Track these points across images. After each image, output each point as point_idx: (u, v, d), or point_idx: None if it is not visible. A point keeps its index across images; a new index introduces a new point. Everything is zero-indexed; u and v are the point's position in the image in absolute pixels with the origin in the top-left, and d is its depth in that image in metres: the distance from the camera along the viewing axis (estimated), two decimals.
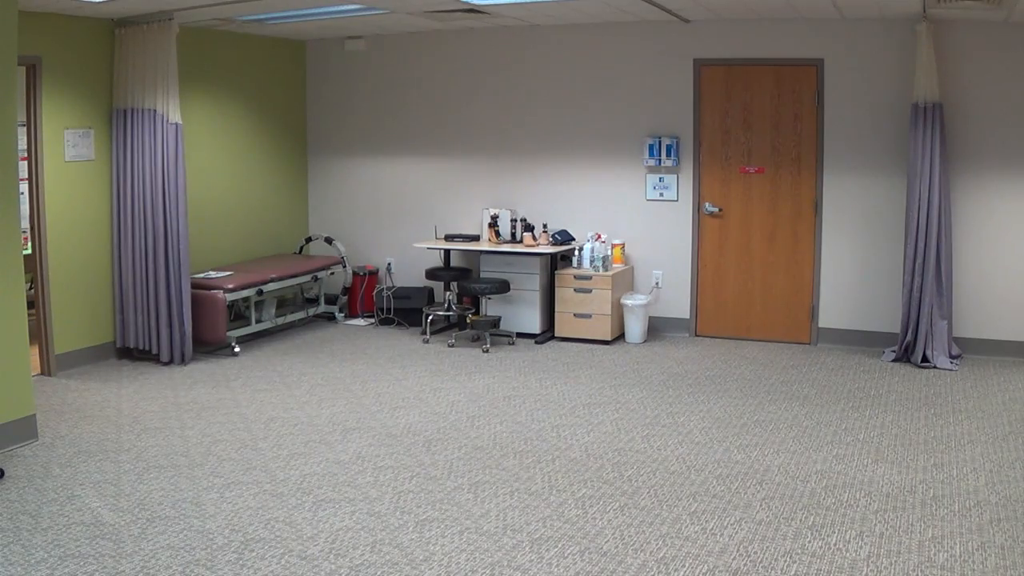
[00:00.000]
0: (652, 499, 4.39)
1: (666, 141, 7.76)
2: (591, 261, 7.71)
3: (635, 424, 5.56)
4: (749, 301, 7.78)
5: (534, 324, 7.86)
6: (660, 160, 7.80)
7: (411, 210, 8.77)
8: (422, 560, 3.75)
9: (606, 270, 7.67)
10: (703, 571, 3.65)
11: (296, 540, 3.94)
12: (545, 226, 8.00)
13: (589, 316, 7.68)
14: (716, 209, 7.76)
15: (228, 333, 7.31)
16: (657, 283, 8.01)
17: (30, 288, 6.65)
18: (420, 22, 7.74)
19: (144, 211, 6.93)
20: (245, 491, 4.50)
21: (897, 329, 7.15)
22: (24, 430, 5.16)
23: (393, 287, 8.62)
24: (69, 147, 6.71)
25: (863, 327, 7.46)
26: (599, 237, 7.79)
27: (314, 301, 8.70)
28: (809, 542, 3.89)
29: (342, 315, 8.72)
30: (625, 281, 7.94)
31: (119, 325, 7.10)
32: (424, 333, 7.96)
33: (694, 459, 4.94)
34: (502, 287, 7.67)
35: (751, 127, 7.59)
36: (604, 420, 5.64)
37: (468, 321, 7.81)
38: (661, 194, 7.90)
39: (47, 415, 5.70)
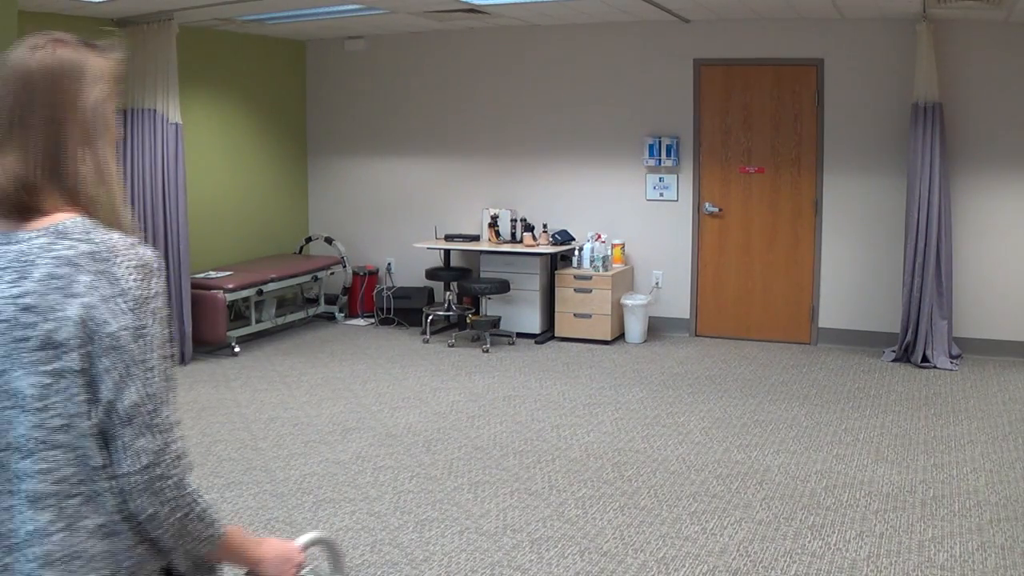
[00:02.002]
0: (652, 499, 4.39)
1: (666, 141, 7.76)
2: (591, 261, 7.71)
3: (635, 424, 5.56)
4: (749, 301, 7.78)
5: (534, 324, 7.87)
6: (660, 160, 7.80)
7: (411, 210, 8.77)
8: (422, 560, 3.75)
9: (606, 270, 7.67)
10: (703, 571, 3.65)
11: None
12: (545, 226, 8.01)
13: (589, 316, 7.68)
14: (716, 209, 7.76)
15: (228, 333, 7.31)
16: (657, 283, 8.01)
17: None
18: (420, 22, 7.74)
19: (144, 211, 6.93)
20: (245, 491, 4.50)
21: (897, 329, 7.15)
22: None
23: (393, 287, 8.62)
24: None
25: (863, 327, 7.46)
26: (599, 237, 7.79)
27: (314, 301, 8.70)
28: (809, 542, 3.89)
29: (342, 315, 8.72)
30: (625, 281, 7.94)
31: None
32: (424, 333, 7.96)
33: (694, 459, 4.94)
34: (502, 287, 7.67)
35: (751, 127, 7.59)
36: (604, 420, 5.64)
37: (468, 321, 7.81)
38: (661, 194, 7.90)
39: None
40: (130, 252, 1.39)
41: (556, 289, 7.80)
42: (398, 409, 5.90)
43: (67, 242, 1.37)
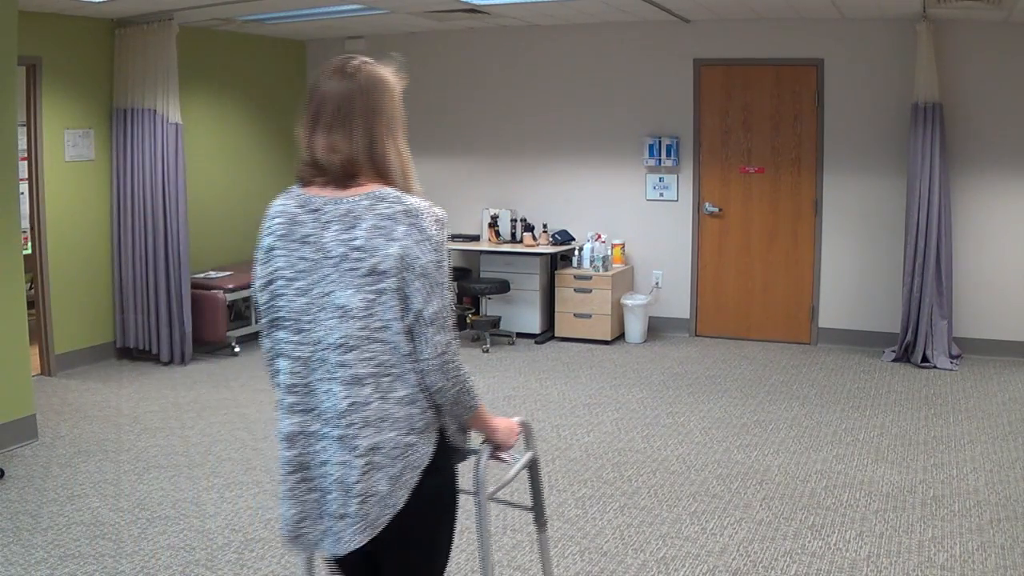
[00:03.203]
0: (652, 499, 4.39)
1: (666, 141, 7.76)
2: (591, 261, 7.71)
3: (635, 424, 5.56)
4: (749, 301, 7.78)
5: (534, 324, 7.87)
6: (660, 160, 7.80)
7: None
8: None
9: (606, 270, 7.67)
10: (703, 571, 3.65)
11: None
12: (545, 226, 8.00)
13: (589, 316, 7.68)
14: (716, 209, 7.76)
15: (228, 333, 7.32)
16: (657, 283, 8.01)
17: (30, 288, 6.65)
18: (420, 22, 7.74)
19: (144, 211, 6.93)
20: (245, 491, 4.50)
21: (897, 329, 7.15)
22: (24, 430, 5.16)
23: None
24: (69, 147, 6.71)
25: (863, 327, 7.46)
26: (599, 237, 7.79)
27: None
28: (809, 542, 3.89)
29: None
30: (625, 281, 7.94)
31: (119, 325, 7.10)
32: None
33: (694, 459, 4.94)
34: (502, 287, 7.67)
35: (751, 127, 7.59)
36: (604, 420, 5.64)
37: (468, 321, 7.81)
38: (661, 194, 7.90)
39: (47, 415, 5.70)
40: (430, 211, 2.01)
41: (556, 289, 7.80)
42: None
43: (386, 203, 1.99)
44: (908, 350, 6.98)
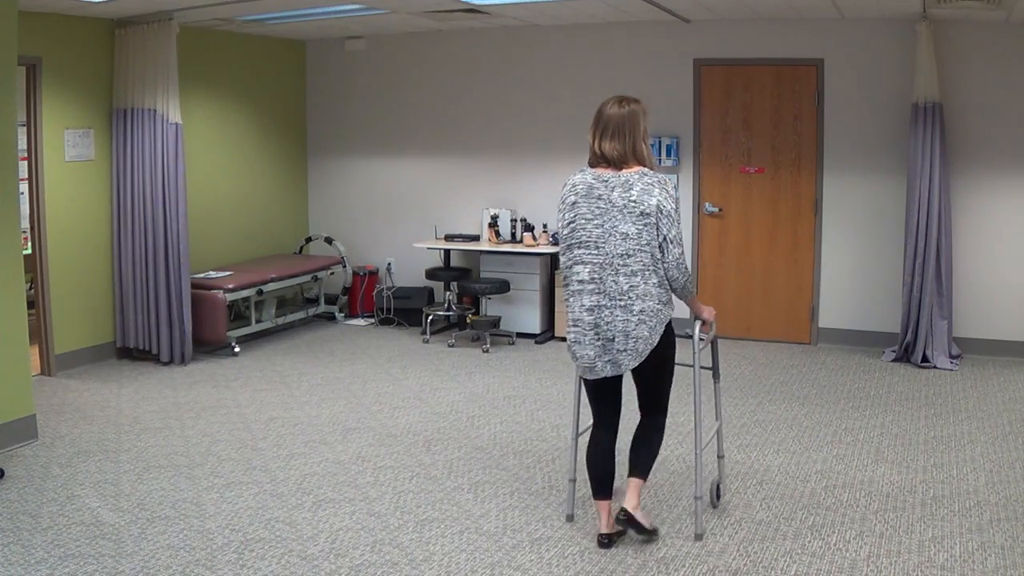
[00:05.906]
0: (652, 499, 4.39)
1: (666, 141, 7.76)
2: None
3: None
4: (749, 301, 7.77)
5: (534, 324, 7.87)
6: (660, 160, 7.80)
7: (411, 210, 8.77)
8: (422, 560, 3.75)
9: None
10: (703, 571, 3.65)
11: (296, 540, 3.94)
12: (545, 226, 8.00)
13: None
14: (716, 209, 7.76)
15: (228, 333, 7.32)
16: None
17: (30, 288, 6.65)
18: (420, 22, 7.74)
19: (144, 211, 6.93)
20: (245, 491, 4.50)
21: (897, 329, 7.15)
22: (24, 430, 5.16)
23: (393, 287, 8.62)
24: (69, 147, 6.71)
25: (863, 327, 7.46)
26: None
27: (314, 301, 8.70)
28: (809, 542, 3.89)
29: (342, 315, 8.72)
30: None
31: (119, 325, 7.10)
32: (424, 333, 7.96)
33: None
34: (502, 287, 7.67)
35: (751, 127, 7.59)
36: None
37: (468, 321, 7.81)
38: None
39: (47, 415, 5.70)
40: (669, 181, 3.99)
41: (556, 289, 7.80)
42: (398, 409, 5.90)
43: (647, 177, 3.65)
44: (908, 350, 6.98)
